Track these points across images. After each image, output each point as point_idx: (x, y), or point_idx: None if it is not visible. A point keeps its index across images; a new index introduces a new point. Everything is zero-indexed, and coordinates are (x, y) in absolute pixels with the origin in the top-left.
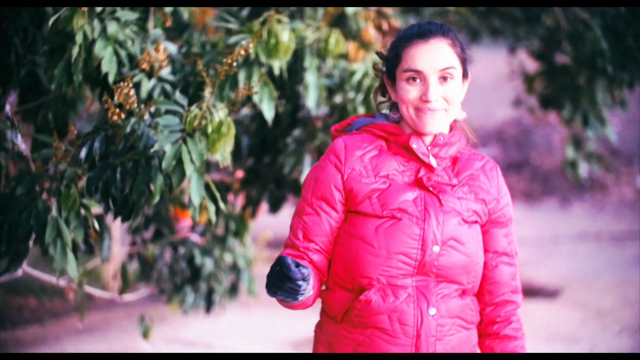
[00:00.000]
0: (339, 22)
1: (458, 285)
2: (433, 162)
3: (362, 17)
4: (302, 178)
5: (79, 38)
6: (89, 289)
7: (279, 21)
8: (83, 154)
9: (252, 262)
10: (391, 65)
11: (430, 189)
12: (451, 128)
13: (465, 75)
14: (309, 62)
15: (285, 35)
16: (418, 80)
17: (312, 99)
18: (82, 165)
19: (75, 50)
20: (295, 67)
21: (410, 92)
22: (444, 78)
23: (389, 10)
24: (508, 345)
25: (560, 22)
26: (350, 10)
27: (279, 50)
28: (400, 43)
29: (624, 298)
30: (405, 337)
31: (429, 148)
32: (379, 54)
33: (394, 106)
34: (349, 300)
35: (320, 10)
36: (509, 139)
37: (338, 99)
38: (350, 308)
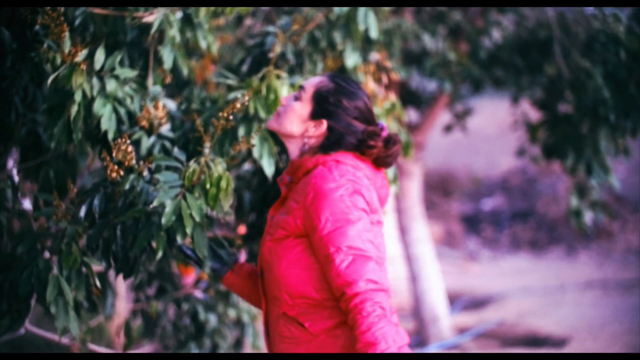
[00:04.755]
0: None
1: (280, 301)
2: (282, 188)
3: (361, 71)
4: None
5: (78, 96)
6: (92, 346)
7: (278, 77)
8: (83, 212)
9: (257, 317)
10: None
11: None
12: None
13: (315, 115)
14: None
15: (284, 91)
16: None
17: None
18: (82, 223)
19: (74, 109)
20: None
21: None
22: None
23: (389, 64)
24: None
25: (562, 71)
26: (349, 63)
27: (278, 106)
28: None
29: (632, 346)
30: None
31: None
32: None
33: None
34: None
35: (320, 65)
36: (514, 189)
37: None
38: None
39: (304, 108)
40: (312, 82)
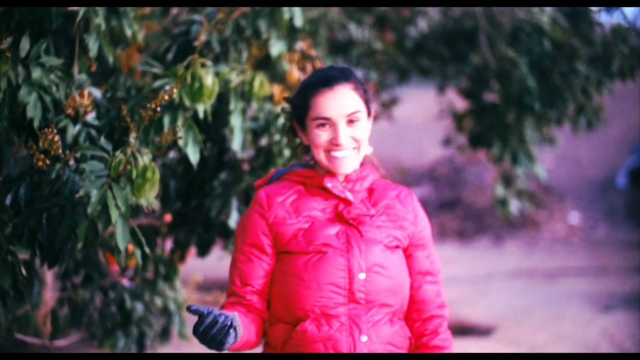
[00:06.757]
0: (264, 65)
1: (388, 307)
2: (350, 196)
3: (286, 60)
4: (230, 221)
5: (3, 84)
6: (19, 335)
7: (203, 65)
8: (8, 200)
9: (183, 306)
10: (300, 113)
11: (350, 222)
12: (362, 163)
13: (369, 113)
14: (234, 105)
15: (209, 79)
16: (327, 126)
17: (237, 142)
18: (7, 211)
19: None
20: (220, 110)
21: (321, 136)
22: (351, 121)
23: (313, 52)
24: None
25: (488, 61)
26: (274, 52)
27: (203, 94)
28: (307, 91)
29: (557, 334)
30: None
31: (343, 184)
32: (286, 99)
33: (308, 149)
34: (287, 332)
35: (245, 53)
36: (441, 178)
37: (264, 141)
38: (289, 339)
39: (365, 120)
40: (346, 97)
